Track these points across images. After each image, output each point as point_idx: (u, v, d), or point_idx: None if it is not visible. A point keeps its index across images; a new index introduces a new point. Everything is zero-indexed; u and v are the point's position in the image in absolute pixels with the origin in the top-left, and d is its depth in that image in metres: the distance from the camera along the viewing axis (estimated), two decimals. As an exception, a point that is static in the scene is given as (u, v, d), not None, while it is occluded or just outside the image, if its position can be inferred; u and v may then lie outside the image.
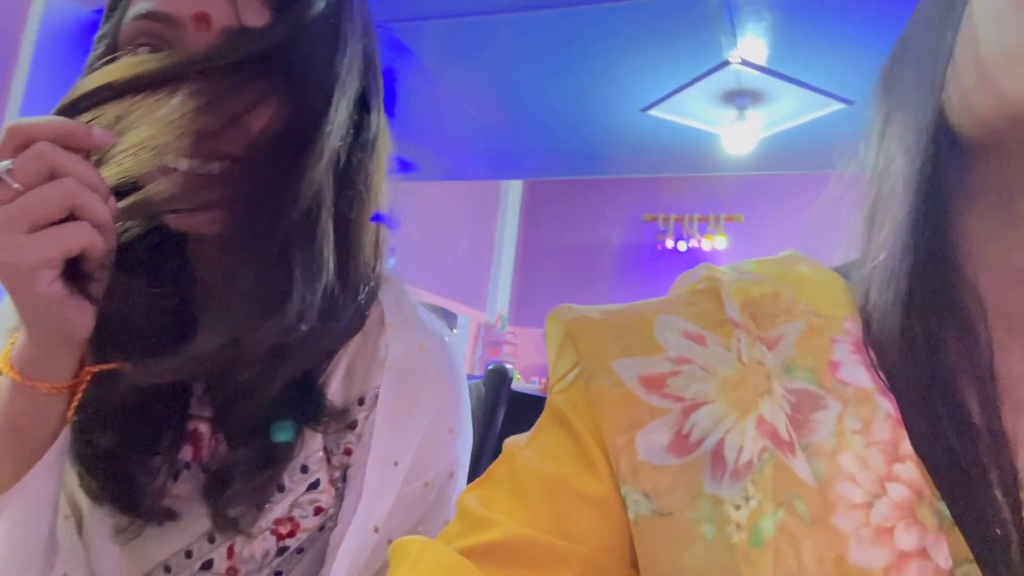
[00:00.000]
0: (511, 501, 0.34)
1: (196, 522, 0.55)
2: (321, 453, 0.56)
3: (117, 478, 0.53)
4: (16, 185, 0.40)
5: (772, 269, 0.39)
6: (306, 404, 0.55)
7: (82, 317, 0.45)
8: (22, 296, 0.43)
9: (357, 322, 0.58)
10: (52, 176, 0.42)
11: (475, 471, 0.77)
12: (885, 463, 0.30)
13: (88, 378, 0.48)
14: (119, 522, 0.54)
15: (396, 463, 0.55)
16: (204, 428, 0.56)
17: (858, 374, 0.32)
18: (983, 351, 0.31)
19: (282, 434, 0.53)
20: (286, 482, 0.55)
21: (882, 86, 0.39)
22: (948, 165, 0.33)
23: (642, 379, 0.34)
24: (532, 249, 6.72)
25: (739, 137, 3.46)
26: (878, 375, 0.32)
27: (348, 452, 0.57)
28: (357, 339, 0.58)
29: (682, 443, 0.32)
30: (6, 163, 0.41)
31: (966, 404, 0.30)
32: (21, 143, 0.41)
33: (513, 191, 6.67)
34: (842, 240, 0.39)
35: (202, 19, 0.48)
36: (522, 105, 3.60)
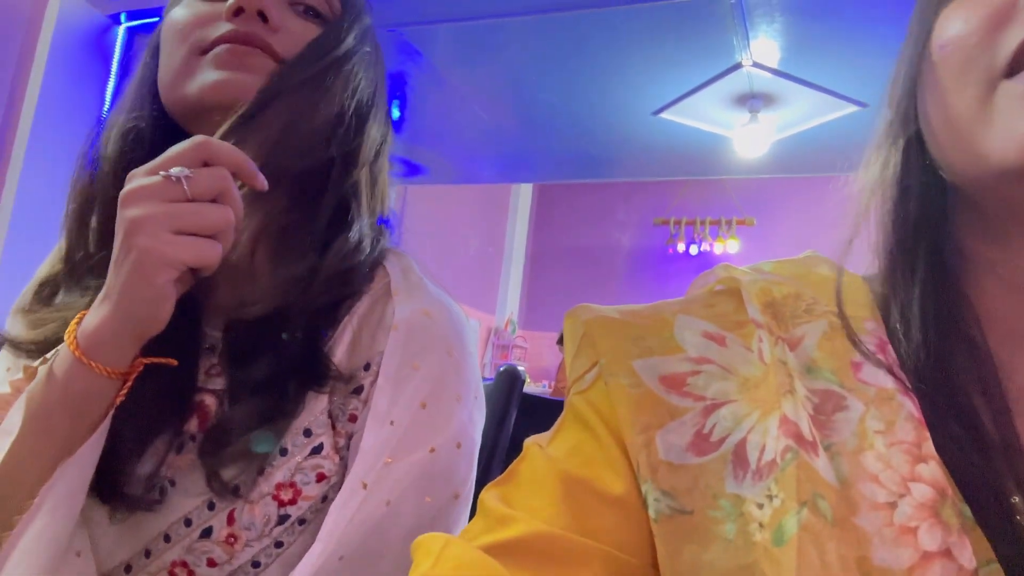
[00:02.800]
0: (532, 499, 0.34)
1: (197, 489, 0.54)
2: (325, 417, 0.56)
3: (107, 471, 0.53)
4: (187, 190, 0.47)
5: (792, 269, 0.39)
6: (310, 366, 0.55)
7: (166, 315, 0.49)
8: (141, 282, 0.47)
9: (363, 282, 0.60)
10: (217, 199, 0.48)
11: (487, 471, 0.77)
12: (908, 463, 0.29)
13: (140, 368, 0.51)
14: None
15: (392, 422, 0.54)
16: (210, 400, 0.57)
17: (880, 374, 0.32)
18: (986, 365, 0.31)
19: (262, 445, 0.53)
20: (288, 445, 0.55)
21: (887, 93, 0.40)
22: (935, 187, 0.34)
23: (662, 378, 0.34)
24: (542, 253, 6.73)
25: (751, 140, 3.44)
26: (900, 375, 0.32)
27: (353, 419, 0.56)
28: (363, 306, 0.59)
29: (703, 442, 0.32)
30: (186, 170, 0.47)
31: (979, 414, 0.31)
32: (204, 159, 0.48)
33: (523, 194, 6.68)
34: (858, 243, 0.39)
35: None
36: (533, 108, 3.60)
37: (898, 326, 0.34)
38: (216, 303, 0.60)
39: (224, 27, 0.56)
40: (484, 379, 0.83)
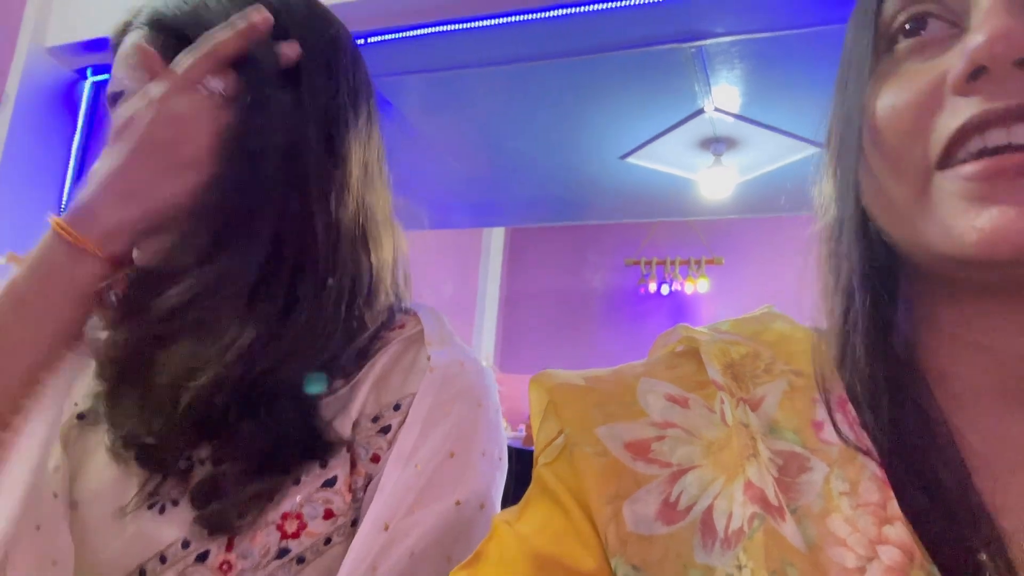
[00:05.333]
0: None
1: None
2: (344, 450, 0.54)
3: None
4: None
5: (749, 327, 0.39)
6: (305, 434, 0.54)
7: (178, 182, 0.52)
8: (145, 150, 0.52)
9: (389, 331, 0.60)
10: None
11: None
12: (875, 525, 0.29)
13: (123, 278, 0.52)
14: (123, 503, 0.53)
15: (417, 466, 0.53)
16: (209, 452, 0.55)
17: (842, 434, 0.33)
18: (939, 429, 0.31)
19: (314, 386, 0.53)
20: (302, 475, 0.53)
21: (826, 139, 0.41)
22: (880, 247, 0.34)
23: (627, 445, 0.34)
24: (516, 295, 6.73)
25: (716, 182, 3.52)
26: (861, 434, 0.32)
27: (376, 459, 0.55)
28: (395, 348, 0.58)
29: (670, 510, 0.32)
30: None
31: (939, 475, 0.30)
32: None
33: (496, 238, 6.71)
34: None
35: None
36: (503, 155, 3.65)
37: (853, 385, 0.34)
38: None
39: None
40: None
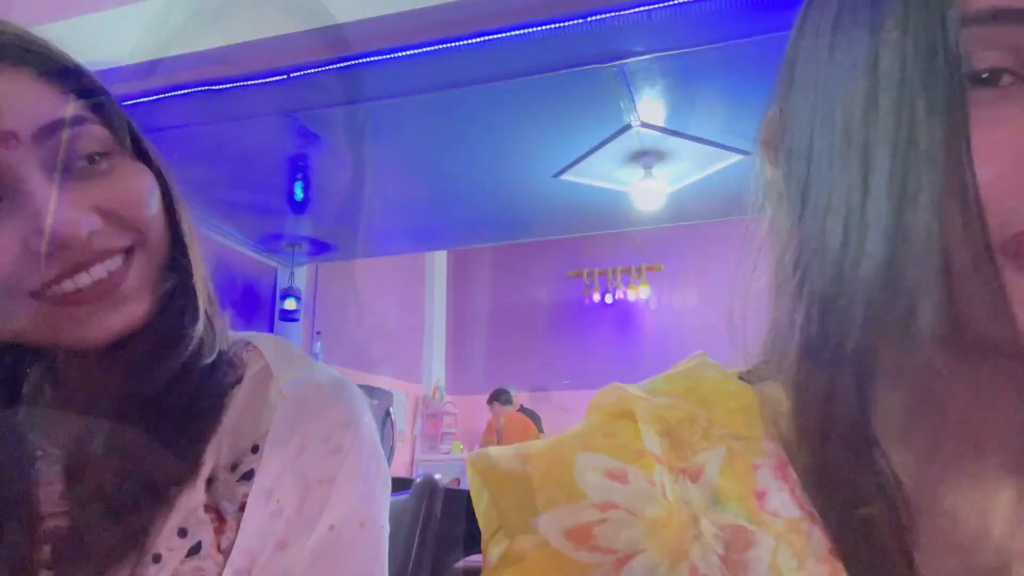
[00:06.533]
0: None
1: None
2: (202, 513, 0.50)
3: None
4: None
5: (683, 383, 0.38)
6: (160, 464, 0.50)
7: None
8: None
9: (231, 374, 0.55)
10: None
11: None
12: None
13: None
14: None
15: (278, 500, 0.50)
16: (64, 523, 0.50)
17: (785, 503, 0.31)
18: (886, 477, 0.30)
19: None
20: (162, 550, 0.49)
21: (780, 156, 0.38)
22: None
23: (567, 533, 0.32)
24: (463, 316, 6.71)
25: (648, 194, 3.60)
26: (803, 500, 0.31)
27: (244, 507, 0.51)
28: (243, 391, 0.54)
29: None
30: None
31: (886, 535, 0.30)
32: None
33: (438, 260, 6.69)
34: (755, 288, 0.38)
35: (8, 137, 0.45)
36: (437, 179, 3.65)
37: (793, 439, 0.33)
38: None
39: None
40: (400, 493, 0.75)
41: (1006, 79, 0.29)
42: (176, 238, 0.54)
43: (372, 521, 0.53)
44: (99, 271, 0.48)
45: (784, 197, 0.37)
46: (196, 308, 0.54)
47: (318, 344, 4.74)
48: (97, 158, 0.49)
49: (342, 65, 2.59)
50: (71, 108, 0.48)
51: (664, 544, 0.31)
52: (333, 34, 2.45)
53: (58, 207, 0.46)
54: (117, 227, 0.49)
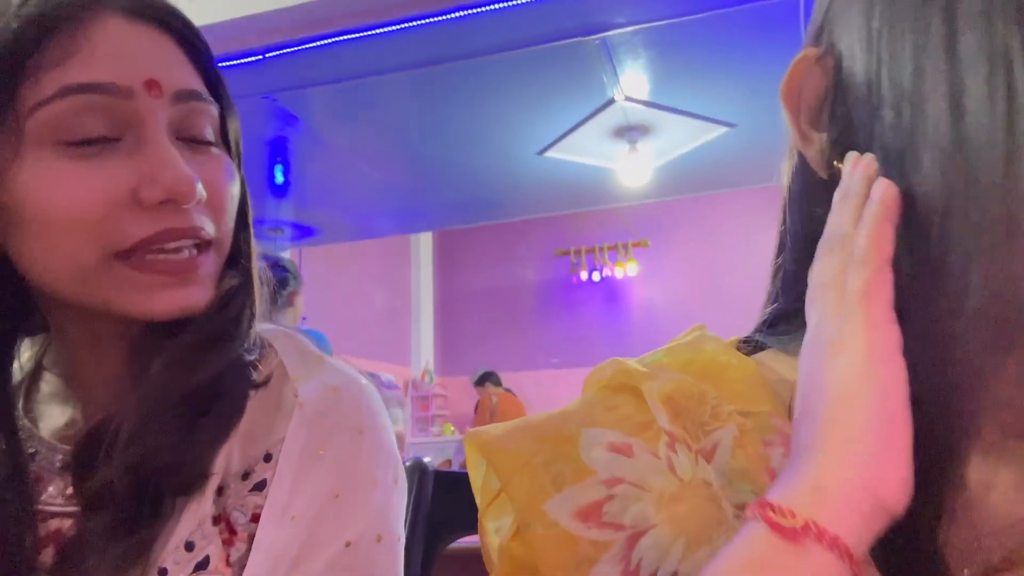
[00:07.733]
0: None
1: None
2: (210, 526, 0.49)
3: None
4: None
5: (683, 356, 0.38)
6: (173, 470, 0.48)
7: None
8: None
9: (255, 376, 0.54)
10: None
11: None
12: None
13: None
14: None
15: (294, 517, 0.49)
16: (68, 524, 0.49)
17: None
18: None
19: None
20: (168, 564, 0.47)
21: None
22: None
23: (577, 513, 0.32)
24: (450, 297, 6.70)
25: (634, 169, 3.58)
26: None
27: (256, 519, 0.50)
28: (257, 396, 0.53)
29: None
30: None
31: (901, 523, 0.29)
32: None
33: (424, 242, 6.66)
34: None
35: (153, 85, 0.47)
36: (419, 159, 3.62)
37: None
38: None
39: None
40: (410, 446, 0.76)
41: None
42: (242, 241, 0.55)
43: (389, 533, 0.52)
44: (189, 248, 0.49)
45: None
46: (253, 312, 0.55)
47: (303, 327, 4.72)
48: (210, 142, 0.51)
49: (319, 44, 2.54)
50: (202, 86, 0.51)
51: (676, 519, 0.31)
52: (308, 11, 2.40)
53: (180, 164, 0.47)
54: (208, 213, 0.50)
